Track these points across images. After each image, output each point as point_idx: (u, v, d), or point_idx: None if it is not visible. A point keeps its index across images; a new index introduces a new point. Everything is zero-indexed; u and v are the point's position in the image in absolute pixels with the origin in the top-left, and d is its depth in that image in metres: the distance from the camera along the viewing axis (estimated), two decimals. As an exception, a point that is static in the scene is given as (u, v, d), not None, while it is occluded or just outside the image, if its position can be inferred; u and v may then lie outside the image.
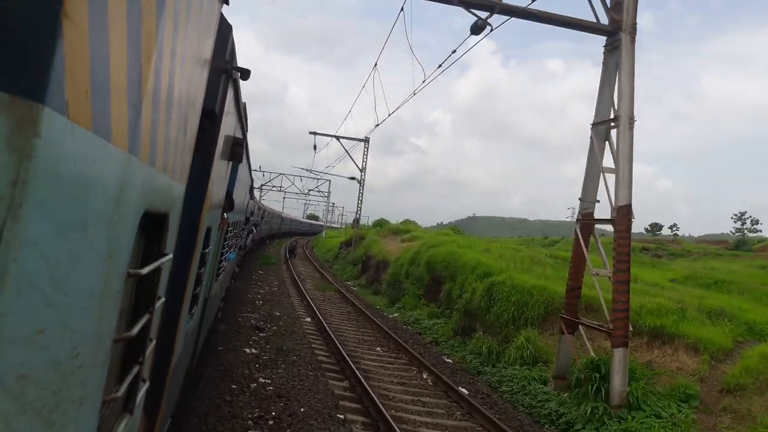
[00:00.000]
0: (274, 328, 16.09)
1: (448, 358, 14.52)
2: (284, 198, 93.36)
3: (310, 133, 37.96)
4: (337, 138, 38.44)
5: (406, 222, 49.47)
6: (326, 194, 74.85)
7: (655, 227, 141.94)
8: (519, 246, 33.94)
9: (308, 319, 18.12)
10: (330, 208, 78.26)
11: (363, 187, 39.21)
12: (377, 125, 26.06)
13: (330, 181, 72.01)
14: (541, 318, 14.27)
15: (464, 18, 11.64)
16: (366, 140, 39.39)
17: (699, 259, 37.81)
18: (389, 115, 23.26)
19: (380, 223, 45.92)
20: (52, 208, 1.05)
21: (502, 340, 14.35)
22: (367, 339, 16.01)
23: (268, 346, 13.61)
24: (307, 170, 47.97)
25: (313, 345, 14.30)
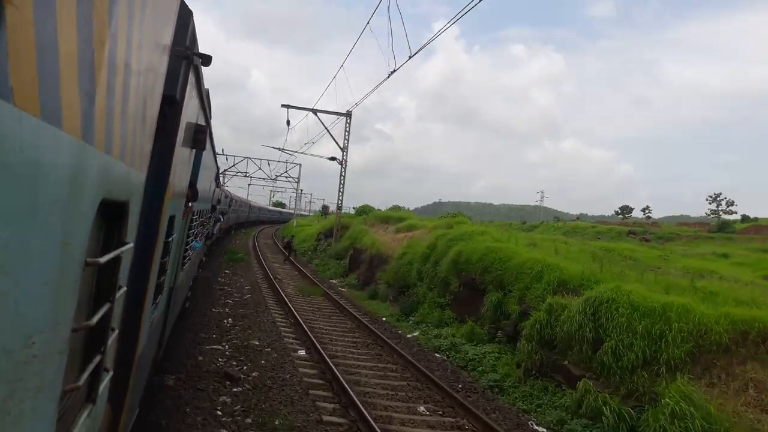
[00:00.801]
0: (255, 373, 11.52)
1: (537, 424, 10.41)
2: (249, 185, 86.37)
3: (283, 106, 32.55)
4: (314, 112, 31.84)
5: (396, 208, 43.09)
6: (296, 180, 68.00)
7: (626, 210, 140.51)
8: (535, 234, 28.51)
9: (302, 352, 13.96)
10: (299, 195, 71.40)
11: (345, 168, 41.84)
12: (393, 72, 19.77)
13: (300, 165, 65.69)
14: (690, 359, 9.86)
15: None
16: (348, 115, 32.98)
17: (691, 242, 32.91)
18: (410, 57, 17.13)
19: (365, 210, 40.60)
20: None
21: (627, 395, 10.11)
22: (396, 385, 11.92)
23: (249, 420, 8.83)
24: (279, 149, 41.50)
25: (321, 411, 9.67)
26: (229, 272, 27.27)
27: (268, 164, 71.73)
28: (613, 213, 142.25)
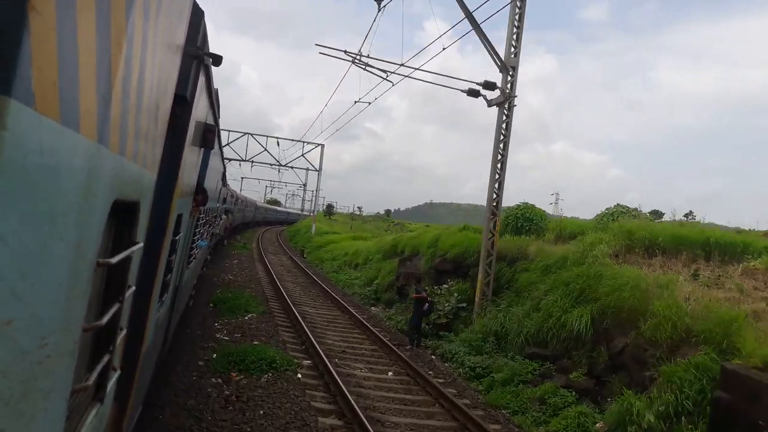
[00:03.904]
0: None
1: None
2: (243, 178, 63.65)
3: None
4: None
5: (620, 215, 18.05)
6: (312, 168, 44.35)
7: (656, 214, 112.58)
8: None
9: None
10: (317, 190, 46.65)
11: (511, 112, 15.79)
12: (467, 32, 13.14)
13: (323, 146, 41.69)
14: None
15: None
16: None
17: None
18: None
19: (527, 219, 14.39)
20: (20, 200, 1.07)
21: None
22: None
23: None
24: (357, 60, 15.31)
25: None
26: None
27: (277, 144, 48.73)
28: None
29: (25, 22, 0.95)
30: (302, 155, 50.30)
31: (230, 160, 47.19)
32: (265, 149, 50.00)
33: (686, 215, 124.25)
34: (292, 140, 50.66)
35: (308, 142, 51.01)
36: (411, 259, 22.40)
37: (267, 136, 49.62)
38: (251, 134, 49.39)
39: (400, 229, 57.25)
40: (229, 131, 47.57)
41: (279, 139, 50.71)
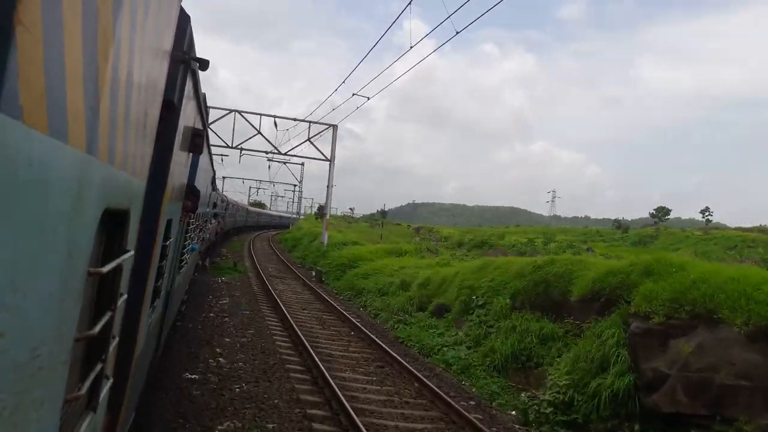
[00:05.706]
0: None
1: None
2: (224, 178, 50.96)
3: None
4: None
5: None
6: (324, 158, 27.60)
7: (662, 211, 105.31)
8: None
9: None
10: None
11: None
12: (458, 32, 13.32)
13: (336, 127, 24.63)
14: None
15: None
16: None
17: None
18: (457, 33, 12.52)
19: None
20: (9, 213, 1.04)
21: None
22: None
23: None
24: None
25: None
26: None
27: (275, 124, 35.78)
28: (648, 215, 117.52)
29: (11, 36, 0.92)
30: (308, 140, 37.63)
31: (213, 146, 34.53)
32: (259, 132, 37.17)
33: (702, 212, 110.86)
34: (295, 119, 38.07)
35: (316, 122, 38.50)
36: (687, 330, 8.65)
37: (261, 115, 36.91)
38: (239, 111, 36.61)
39: (429, 234, 45.57)
40: (211, 107, 34.84)
41: (277, 119, 38.05)
